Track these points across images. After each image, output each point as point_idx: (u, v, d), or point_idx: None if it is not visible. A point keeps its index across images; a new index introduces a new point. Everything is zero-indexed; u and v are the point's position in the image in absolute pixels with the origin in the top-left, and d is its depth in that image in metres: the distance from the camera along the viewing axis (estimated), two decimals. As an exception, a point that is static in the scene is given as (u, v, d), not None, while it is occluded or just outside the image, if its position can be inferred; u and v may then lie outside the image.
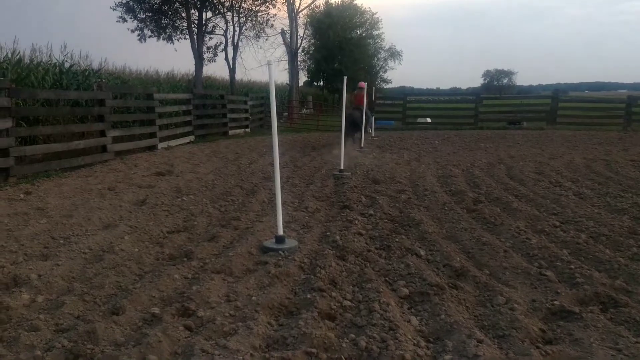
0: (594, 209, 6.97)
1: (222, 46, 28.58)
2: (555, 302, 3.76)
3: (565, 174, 10.14)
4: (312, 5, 41.36)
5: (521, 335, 3.26)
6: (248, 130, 22.03)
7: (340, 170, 10.06)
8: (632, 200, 7.40)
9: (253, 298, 3.84)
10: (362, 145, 15.03)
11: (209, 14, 27.24)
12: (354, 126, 14.71)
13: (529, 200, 7.58)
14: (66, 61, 14.01)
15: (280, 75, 36.60)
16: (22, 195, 7.67)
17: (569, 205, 7.18)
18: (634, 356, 2.99)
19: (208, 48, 28.36)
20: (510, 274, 4.52)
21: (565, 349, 3.08)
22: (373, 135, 19.17)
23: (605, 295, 3.90)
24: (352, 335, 3.27)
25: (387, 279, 4.43)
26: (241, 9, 28.28)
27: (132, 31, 25.89)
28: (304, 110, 35.07)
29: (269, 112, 5.24)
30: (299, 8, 35.81)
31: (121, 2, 24.95)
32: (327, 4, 46.17)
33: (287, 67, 37.35)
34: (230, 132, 20.11)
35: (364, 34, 53.34)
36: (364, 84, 16.11)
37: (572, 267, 4.54)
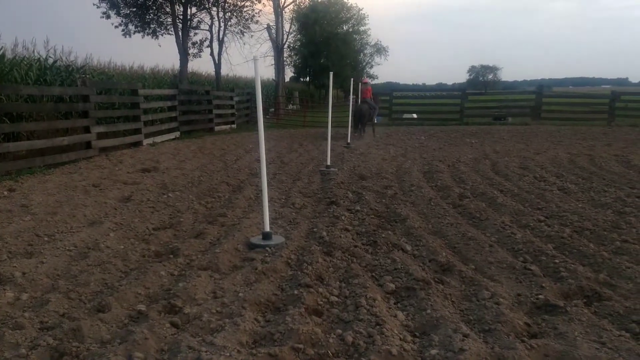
0: (578, 203, 7.04)
1: (207, 41, 28.43)
2: (540, 296, 3.80)
3: (550, 169, 10.22)
4: (298, 0, 41.32)
5: (506, 329, 3.29)
6: (234, 126, 21.96)
7: (327, 166, 10.07)
8: (616, 194, 7.48)
9: (240, 294, 3.84)
10: (349, 140, 15.05)
11: (194, 9, 27.05)
12: (361, 118, 17.17)
13: (514, 195, 7.64)
14: (50, 57, 13.86)
15: (266, 70, 36.73)
16: (5, 192, 7.59)
17: (554, 200, 7.24)
18: (617, 349, 3.03)
19: (193, 43, 28.16)
20: (496, 268, 4.56)
21: (550, 342, 3.11)
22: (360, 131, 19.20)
23: (589, 289, 3.95)
24: (339, 331, 3.28)
25: (373, 274, 4.44)
26: (226, 5, 28.12)
27: (116, 27, 25.66)
28: (291, 106, 35.03)
29: (255, 107, 5.23)
30: (284, 3, 35.79)
31: (104, -3, 24.68)
32: (312, -1, 46.12)
33: (273, 62, 37.33)
34: (216, 128, 20.02)
35: (350, 30, 53.45)
36: (367, 79, 19.02)
37: (557, 261, 4.58)
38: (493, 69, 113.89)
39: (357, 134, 17.37)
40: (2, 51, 12.36)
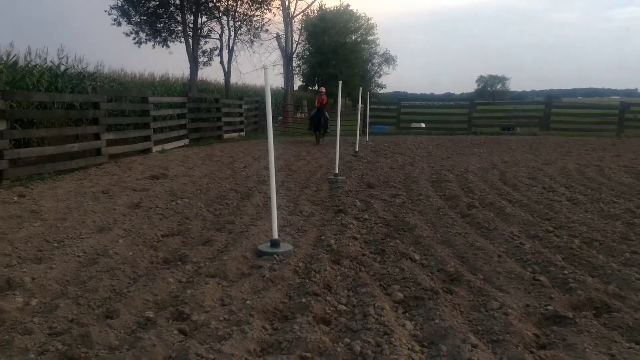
0: (587, 214, 7.00)
1: (217, 50, 28.60)
2: (549, 307, 3.78)
3: (559, 180, 10.18)
4: (307, 10, 41.48)
5: (515, 340, 3.27)
6: (243, 133, 22.02)
7: (335, 175, 10.07)
8: (625, 206, 7.44)
9: (248, 302, 3.84)
10: (357, 149, 15.08)
11: (204, 18, 27.24)
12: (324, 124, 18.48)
13: (523, 205, 7.61)
14: (61, 64, 13.98)
15: (275, 79, 36.78)
16: (16, 198, 7.64)
17: (562, 210, 7.21)
18: (626, 361, 3.00)
19: (203, 52, 28.35)
20: (504, 278, 4.54)
21: (559, 354, 3.09)
22: (368, 140, 19.23)
23: (598, 300, 3.92)
24: (347, 340, 3.27)
25: (381, 283, 4.44)
26: (236, 14, 28.29)
27: (127, 35, 25.87)
28: (299, 115, 35.11)
29: (264, 115, 5.25)
30: (294, 13, 35.90)
31: (116, 6, 24.92)
32: (321, 9, 46.29)
33: (282, 71, 37.42)
34: (225, 135, 20.09)
35: (358, 39, 53.50)
36: (324, 89, 20.00)
37: (566, 272, 4.56)
38: (501, 79, 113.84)
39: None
40: (14, 59, 12.50)
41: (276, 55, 37.89)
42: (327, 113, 18.44)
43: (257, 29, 29.88)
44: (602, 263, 4.80)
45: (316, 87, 51.30)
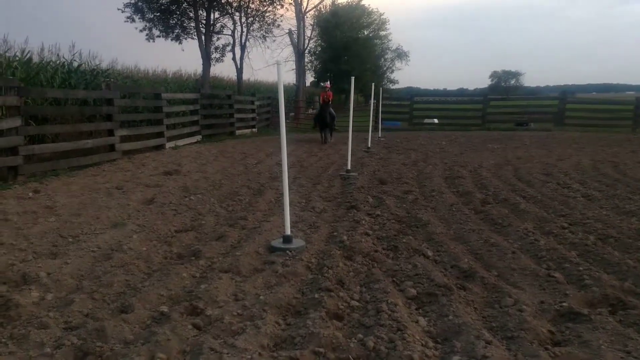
0: (602, 210, 6.94)
1: (229, 46, 28.67)
2: (564, 304, 3.75)
3: (573, 176, 10.09)
4: (320, 5, 41.44)
5: (530, 336, 3.25)
6: (255, 130, 22.06)
7: (347, 171, 10.07)
8: (641, 202, 7.36)
9: (261, 297, 3.85)
10: (370, 145, 15.05)
11: (217, 15, 27.32)
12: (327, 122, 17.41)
13: (537, 201, 7.56)
14: (74, 60, 14.07)
15: (287, 75, 36.65)
16: (30, 194, 7.71)
17: (577, 206, 7.15)
18: (643, 358, 2.97)
19: (216, 48, 28.42)
20: (519, 275, 4.51)
21: (573, 350, 3.07)
22: (380, 135, 19.18)
23: (614, 297, 3.89)
24: (360, 336, 3.27)
25: (394, 279, 4.43)
26: (249, 9, 28.33)
27: (140, 31, 26.02)
28: (311, 111, 35.13)
29: (276, 112, 5.27)
30: (306, 8, 35.91)
31: (130, 3, 25.05)
32: (333, 4, 46.16)
33: (294, 67, 37.46)
34: (237, 132, 20.14)
35: (371, 35, 53.28)
36: (328, 84, 19.74)
37: (581, 268, 4.52)
38: (515, 74, 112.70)
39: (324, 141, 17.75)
40: (29, 55, 12.60)
41: (288, 52, 37.93)
42: (332, 110, 17.80)
43: (269, 24, 29.99)
44: (618, 259, 4.76)
45: (328, 83, 51.28)
